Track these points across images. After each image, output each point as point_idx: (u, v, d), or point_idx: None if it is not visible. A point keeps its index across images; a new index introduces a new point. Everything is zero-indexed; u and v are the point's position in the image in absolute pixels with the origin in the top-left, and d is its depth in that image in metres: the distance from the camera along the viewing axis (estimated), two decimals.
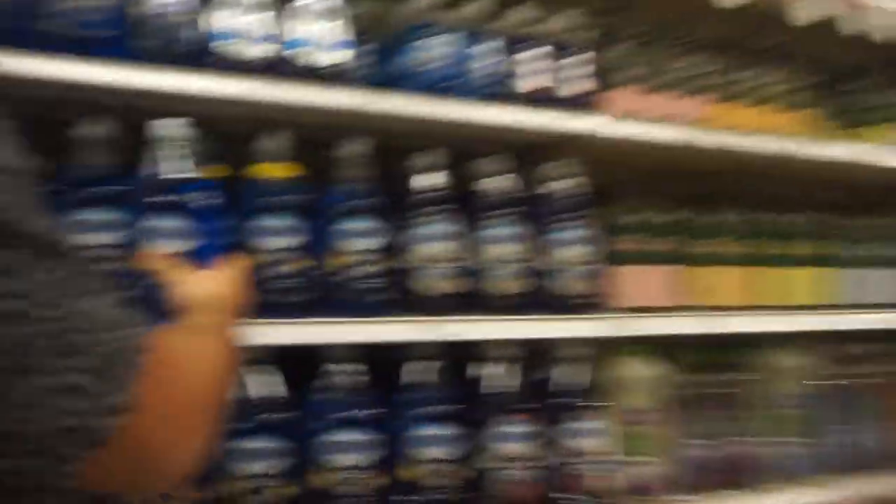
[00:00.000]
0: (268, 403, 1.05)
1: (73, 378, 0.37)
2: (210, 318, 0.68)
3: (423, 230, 1.14)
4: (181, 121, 0.99)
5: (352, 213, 1.10)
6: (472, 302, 1.18)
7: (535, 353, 1.26)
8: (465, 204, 1.21)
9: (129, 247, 0.96)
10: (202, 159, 1.02)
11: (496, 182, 1.23)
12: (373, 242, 1.10)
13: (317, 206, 1.10)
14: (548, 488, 1.20)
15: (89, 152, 0.99)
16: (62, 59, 0.92)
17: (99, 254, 0.95)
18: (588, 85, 1.29)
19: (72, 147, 0.99)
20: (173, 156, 0.99)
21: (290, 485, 1.03)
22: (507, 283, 1.20)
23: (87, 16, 0.96)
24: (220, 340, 0.64)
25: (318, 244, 1.08)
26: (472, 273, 1.18)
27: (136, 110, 1.00)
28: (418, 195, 1.16)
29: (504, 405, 1.20)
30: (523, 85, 1.23)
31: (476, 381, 1.22)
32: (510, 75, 1.23)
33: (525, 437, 1.19)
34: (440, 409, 1.15)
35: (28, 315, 0.36)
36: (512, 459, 1.18)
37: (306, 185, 1.10)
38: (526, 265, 1.21)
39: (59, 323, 0.37)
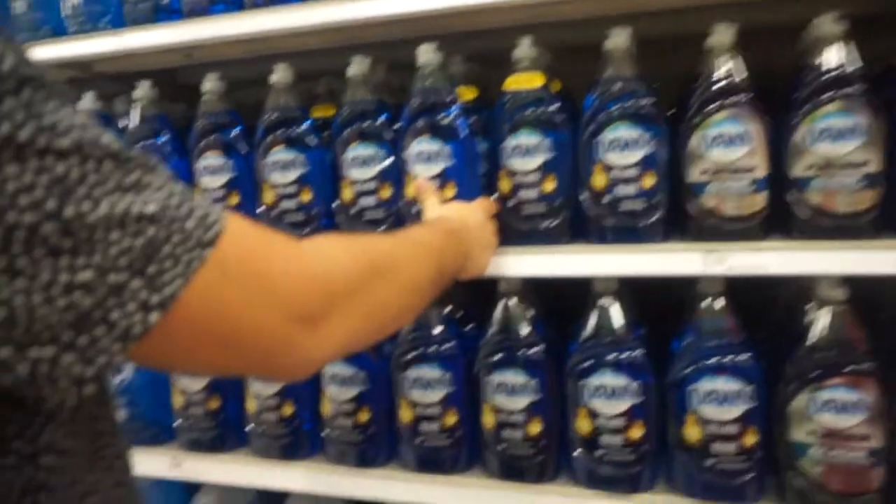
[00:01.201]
0: (524, 338, 0.99)
1: (81, 275, 0.37)
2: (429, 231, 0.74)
3: (710, 132, 0.86)
4: (434, 45, 0.95)
5: (617, 120, 0.89)
6: (783, 223, 0.88)
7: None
8: (781, 91, 0.88)
9: (393, 177, 0.99)
10: (455, 81, 0.98)
11: (830, 56, 0.84)
12: (643, 153, 0.88)
13: (574, 118, 0.93)
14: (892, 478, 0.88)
15: (355, 90, 1.01)
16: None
17: (365, 187, 1.00)
18: None
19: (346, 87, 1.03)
20: (433, 81, 0.95)
21: (543, 423, 0.98)
22: (843, 196, 0.85)
23: None
24: (417, 249, 0.67)
25: (576, 160, 0.92)
26: (789, 184, 0.87)
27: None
28: (707, 87, 0.87)
29: (830, 362, 0.89)
30: None
31: (783, 327, 0.93)
32: None
33: (859, 407, 0.88)
34: (733, 359, 0.92)
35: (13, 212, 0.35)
36: (839, 435, 0.89)
37: (559, 95, 0.93)
38: (876, 169, 0.83)
39: (43, 227, 0.36)
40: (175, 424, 1.15)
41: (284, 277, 0.47)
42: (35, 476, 0.40)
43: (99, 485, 0.45)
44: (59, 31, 1.09)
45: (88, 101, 1.17)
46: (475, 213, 0.88)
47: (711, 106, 0.85)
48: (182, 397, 1.13)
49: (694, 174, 0.88)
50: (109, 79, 1.23)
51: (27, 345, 0.36)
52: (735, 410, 0.92)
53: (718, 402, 0.92)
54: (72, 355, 0.37)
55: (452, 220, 0.80)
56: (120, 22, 1.07)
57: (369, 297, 0.55)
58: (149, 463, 1.11)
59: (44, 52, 1.08)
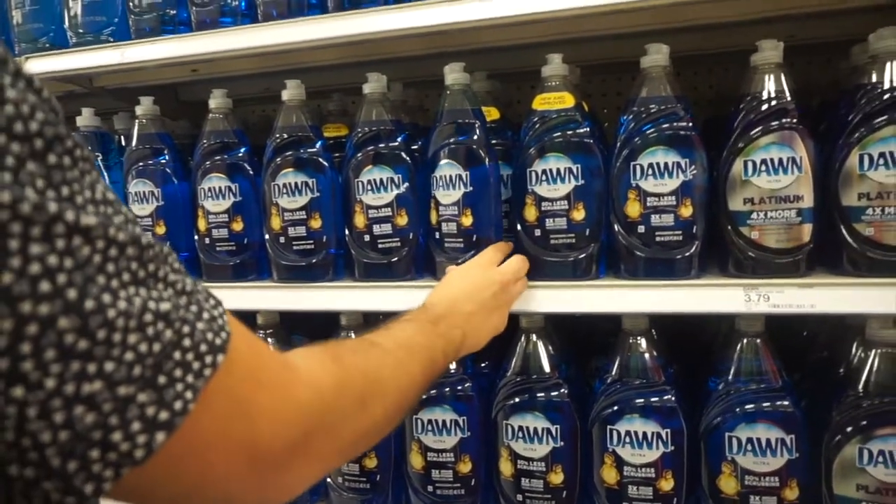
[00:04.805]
0: (546, 379, 0.92)
1: (87, 387, 0.30)
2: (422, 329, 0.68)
3: (751, 158, 0.80)
4: (461, 65, 0.89)
5: (654, 144, 0.82)
6: (829, 258, 0.82)
7: None
8: (834, 111, 0.82)
9: (410, 203, 0.93)
10: (479, 100, 0.92)
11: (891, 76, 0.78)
12: (681, 180, 0.82)
13: (603, 141, 0.87)
14: None
15: (371, 109, 0.95)
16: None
17: (380, 214, 0.94)
18: None
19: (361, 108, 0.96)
20: (460, 101, 0.90)
21: (565, 473, 0.90)
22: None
23: None
24: (411, 353, 0.62)
25: (608, 187, 0.86)
26: (839, 214, 0.80)
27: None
28: (752, 108, 0.81)
29: (883, 410, 0.82)
30: None
31: (821, 368, 0.86)
32: None
33: None
34: (772, 404, 0.85)
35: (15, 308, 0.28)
36: (892, 490, 0.81)
37: (587, 117, 0.87)
38: None
39: (60, 322, 0.29)
40: None
41: (268, 408, 0.40)
42: None
43: None
44: (59, 42, 1.04)
45: (86, 117, 1.11)
46: (476, 281, 0.80)
47: (757, 129, 0.79)
48: None
49: (736, 203, 0.81)
50: (111, 94, 1.18)
51: (6, 462, 0.30)
52: (775, 462, 0.85)
53: (756, 451, 0.85)
54: (53, 482, 0.30)
55: (437, 305, 0.75)
56: (124, 34, 1.01)
57: (348, 432, 0.49)
58: None
59: (43, 64, 1.03)
